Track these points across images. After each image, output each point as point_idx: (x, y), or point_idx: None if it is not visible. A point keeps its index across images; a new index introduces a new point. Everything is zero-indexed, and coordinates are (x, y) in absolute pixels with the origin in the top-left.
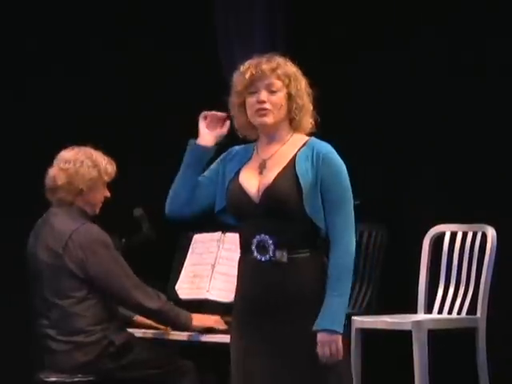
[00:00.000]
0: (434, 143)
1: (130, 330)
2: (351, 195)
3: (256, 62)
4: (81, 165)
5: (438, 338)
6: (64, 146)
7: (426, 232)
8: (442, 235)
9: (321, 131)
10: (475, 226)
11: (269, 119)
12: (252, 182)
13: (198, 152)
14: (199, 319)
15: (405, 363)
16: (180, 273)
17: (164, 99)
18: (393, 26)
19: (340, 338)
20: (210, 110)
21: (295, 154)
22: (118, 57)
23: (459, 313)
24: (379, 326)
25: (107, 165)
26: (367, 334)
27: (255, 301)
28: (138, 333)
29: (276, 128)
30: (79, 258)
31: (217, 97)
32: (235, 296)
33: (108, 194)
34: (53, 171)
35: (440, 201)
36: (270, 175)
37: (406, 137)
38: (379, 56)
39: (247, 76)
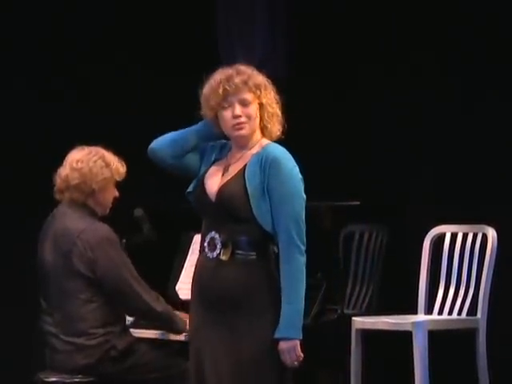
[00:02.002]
0: (434, 143)
1: (136, 330)
2: (300, 201)
3: (226, 75)
4: (94, 164)
5: (439, 338)
6: (69, 145)
7: (427, 233)
8: (442, 236)
9: (325, 132)
10: (476, 227)
11: (245, 131)
12: (214, 181)
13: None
14: None
15: (405, 364)
16: (180, 273)
17: (164, 99)
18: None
19: (298, 343)
20: None
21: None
22: (114, 57)
23: (459, 314)
24: (379, 327)
25: (118, 164)
26: (367, 334)
27: (206, 297)
28: (142, 333)
29: (250, 137)
30: (89, 258)
31: None
32: (191, 291)
33: (117, 194)
34: (65, 171)
35: (440, 201)
36: (227, 177)
37: (406, 138)
38: (380, 53)
39: (220, 91)
